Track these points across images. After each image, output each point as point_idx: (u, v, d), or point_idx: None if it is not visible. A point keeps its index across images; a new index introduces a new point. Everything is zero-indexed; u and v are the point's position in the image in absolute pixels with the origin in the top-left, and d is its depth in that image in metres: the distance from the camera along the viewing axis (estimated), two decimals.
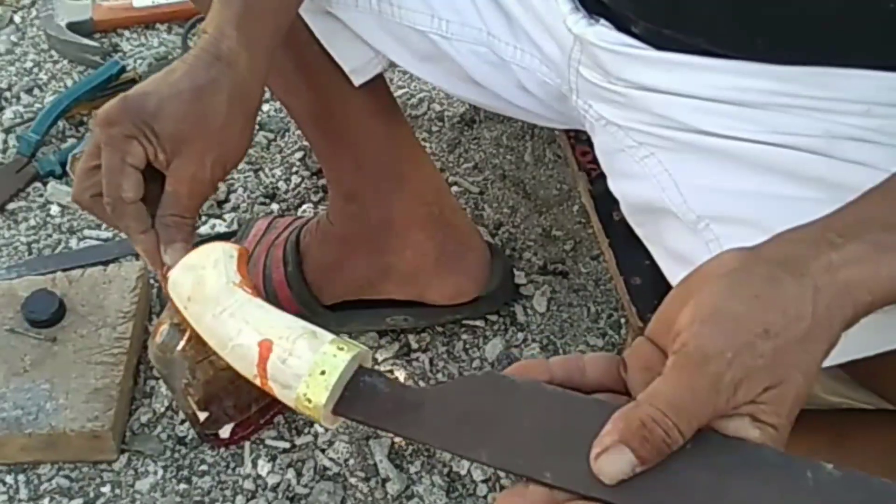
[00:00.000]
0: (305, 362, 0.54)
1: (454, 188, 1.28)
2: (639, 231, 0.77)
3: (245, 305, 0.59)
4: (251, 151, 1.33)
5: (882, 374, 0.64)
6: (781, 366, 0.45)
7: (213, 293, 0.61)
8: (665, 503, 0.46)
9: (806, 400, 0.47)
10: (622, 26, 0.70)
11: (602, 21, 0.71)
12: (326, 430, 1.08)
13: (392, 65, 0.92)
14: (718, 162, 0.66)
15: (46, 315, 1.09)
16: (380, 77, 0.96)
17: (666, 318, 0.49)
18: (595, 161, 0.81)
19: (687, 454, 0.46)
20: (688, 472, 0.46)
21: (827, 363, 0.59)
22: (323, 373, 0.53)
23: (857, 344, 0.59)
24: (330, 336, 0.55)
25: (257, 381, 0.56)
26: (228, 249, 0.64)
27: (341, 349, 0.54)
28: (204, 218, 1.26)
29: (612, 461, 0.45)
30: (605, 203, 0.93)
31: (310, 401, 0.53)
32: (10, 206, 1.28)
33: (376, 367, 1.12)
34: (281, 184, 1.30)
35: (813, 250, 0.48)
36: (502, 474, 1.05)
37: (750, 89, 0.63)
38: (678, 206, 0.67)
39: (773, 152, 0.63)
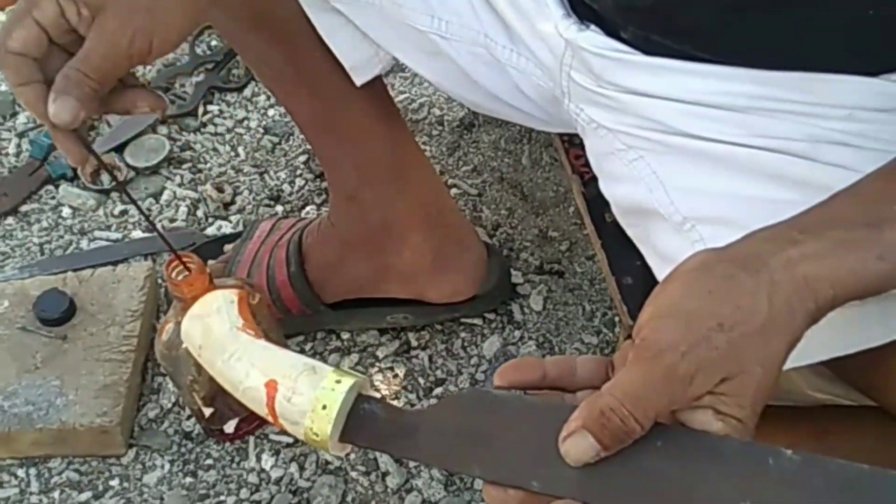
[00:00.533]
0: (308, 399, 0.56)
1: (454, 190, 1.28)
2: (629, 232, 0.77)
3: (250, 348, 0.61)
4: (256, 154, 1.33)
5: (864, 372, 0.64)
6: (738, 358, 0.46)
7: (220, 340, 0.63)
8: (639, 499, 0.47)
9: (771, 392, 0.48)
10: (612, 32, 0.70)
11: (592, 27, 0.71)
12: None
13: (392, 68, 0.92)
14: (704, 164, 0.65)
15: (57, 314, 1.09)
16: (380, 81, 0.95)
17: None
18: (588, 164, 0.81)
19: (657, 451, 0.47)
20: (658, 468, 0.47)
21: (809, 360, 0.60)
22: (324, 407, 0.55)
23: (838, 341, 0.59)
24: (329, 370, 0.57)
25: (270, 420, 0.58)
26: (229, 296, 0.66)
27: (339, 382, 0.56)
28: (210, 220, 1.26)
29: (575, 444, 0.47)
30: (598, 205, 0.92)
31: (316, 434, 0.56)
32: (24, 207, 1.28)
33: (377, 364, 1.12)
34: (285, 186, 1.30)
35: (773, 247, 0.49)
36: None
37: (735, 94, 0.63)
38: (665, 208, 0.67)
39: (757, 155, 0.63)
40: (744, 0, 0.61)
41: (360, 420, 0.56)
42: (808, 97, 0.62)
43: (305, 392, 0.56)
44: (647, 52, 0.68)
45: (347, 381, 0.56)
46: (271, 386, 0.57)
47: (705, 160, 0.65)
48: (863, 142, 0.61)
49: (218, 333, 0.63)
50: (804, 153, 0.62)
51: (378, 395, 0.58)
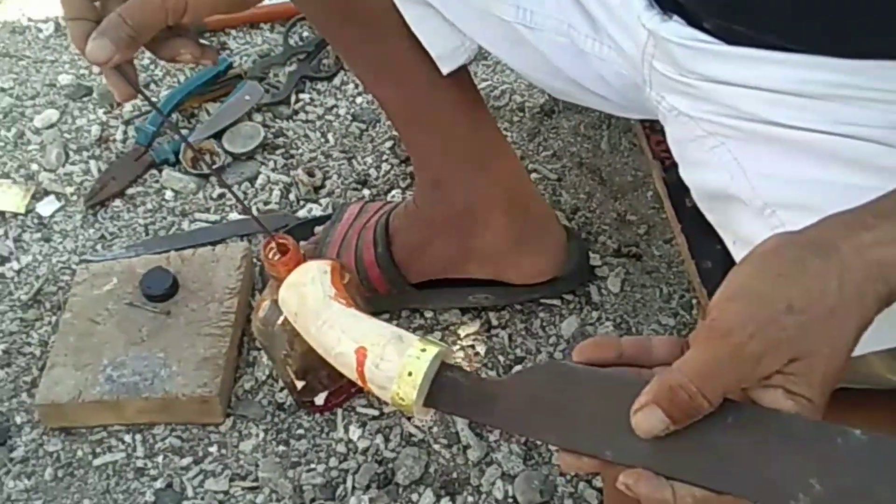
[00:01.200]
0: (395, 366, 0.57)
1: (534, 175, 1.28)
2: (709, 217, 0.76)
3: (341, 316, 0.62)
4: (345, 141, 1.35)
5: None
6: (806, 339, 0.46)
7: (314, 308, 0.64)
8: (708, 472, 0.47)
9: (840, 374, 0.47)
10: (694, 22, 0.69)
11: (675, 17, 0.70)
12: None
13: (477, 56, 0.92)
14: (785, 151, 0.64)
15: (161, 290, 1.12)
16: (465, 70, 0.96)
17: None
18: (668, 150, 0.80)
19: (728, 427, 0.48)
20: (729, 443, 0.48)
21: (888, 344, 0.58)
22: (410, 374, 0.56)
23: None
24: (414, 338, 0.58)
25: (360, 384, 0.60)
26: (323, 266, 0.67)
27: (424, 350, 0.57)
28: (301, 203, 1.28)
29: (645, 418, 0.48)
30: (678, 190, 0.92)
31: (402, 399, 0.57)
32: (130, 191, 1.32)
33: (459, 342, 1.13)
34: (372, 171, 1.32)
35: (846, 231, 0.48)
36: None
37: (816, 82, 0.62)
38: (746, 194, 0.66)
39: (837, 142, 0.61)
40: None
41: (442, 387, 0.57)
42: (888, 85, 0.60)
43: (393, 359, 0.57)
44: (729, 42, 0.67)
45: (432, 350, 0.57)
46: (361, 353, 0.59)
47: (786, 147, 0.64)
48: None
49: (312, 301, 0.64)
50: (883, 139, 0.60)
51: (460, 365, 0.59)
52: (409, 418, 1.08)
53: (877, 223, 0.48)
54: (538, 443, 1.05)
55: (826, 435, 0.46)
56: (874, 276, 0.47)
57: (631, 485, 0.48)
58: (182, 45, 0.72)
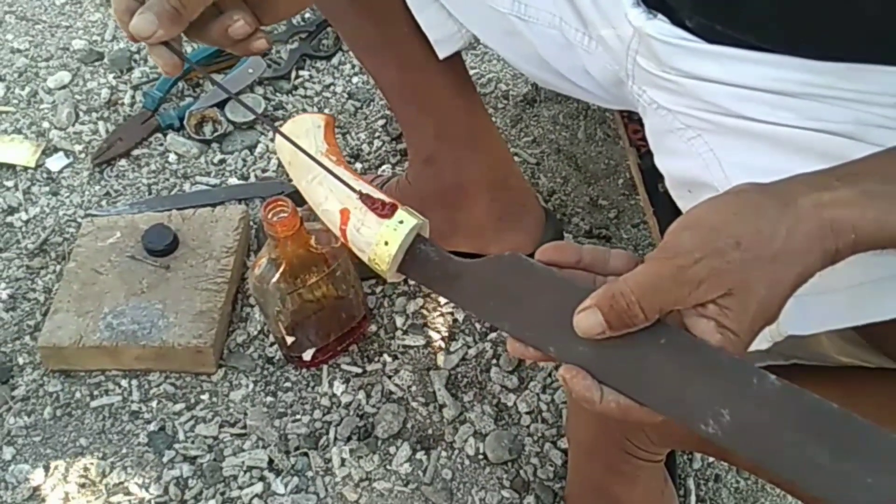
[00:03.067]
0: (373, 233, 0.57)
1: (514, 158, 1.28)
2: (680, 203, 0.77)
3: (330, 175, 0.61)
4: (340, 117, 1.35)
5: (890, 337, 0.64)
6: (746, 275, 0.47)
7: (305, 162, 0.62)
8: (635, 384, 0.49)
9: (771, 317, 0.48)
10: (678, 21, 0.69)
11: (659, 15, 0.71)
12: (394, 358, 1.10)
13: (472, 44, 0.93)
14: (758, 144, 0.65)
15: (162, 246, 1.12)
16: (459, 56, 0.96)
17: None
18: (644, 138, 0.81)
19: (660, 347, 0.49)
20: (658, 362, 0.49)
21: (845, 324, 0.60)
22: (387, 243, 0.57)
23: (875, 308, 0.59)
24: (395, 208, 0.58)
25: (342, 240, 0.60)
26: (317, 120, 0.64)
27: (401, 223, 0.57)
28: None
29: (585, 318, 0.49)
30: (652, 176, 0.92)
31: (377, 264, 0.57)
32: (135, 152, 1.31)
33: (440, 308, 1.14)
34: (364, 146, 1.32)
35: (808, 188, 0.49)
36: (544, 407, 1.06)
37: (790, 81, 0.63)
38: (720, 182, 0.67)
39: (808, 136, 0.62)
40: None
41: (415, 257, 0.57)
42: (856, 85, 0.61)
43: (372, 227, 0.57)
44: (709, 41, 0.67)
45: (409, 223, 0.57)
46: (345, 214, 0.58)
47: (759, 140, 0.65)
48: None
49: (304, 155, 0.62)
50: (851, 135, 0.61)
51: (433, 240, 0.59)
52: (389, 377, 1.08)
53: (839, 185, 0.49)
54: (509, 405, 1.06)
55: (744, 373, 0.47)
56: (825, 232, 0.47)
57: (567, 378, 0.49)
58: (233, 13, 0.62)
